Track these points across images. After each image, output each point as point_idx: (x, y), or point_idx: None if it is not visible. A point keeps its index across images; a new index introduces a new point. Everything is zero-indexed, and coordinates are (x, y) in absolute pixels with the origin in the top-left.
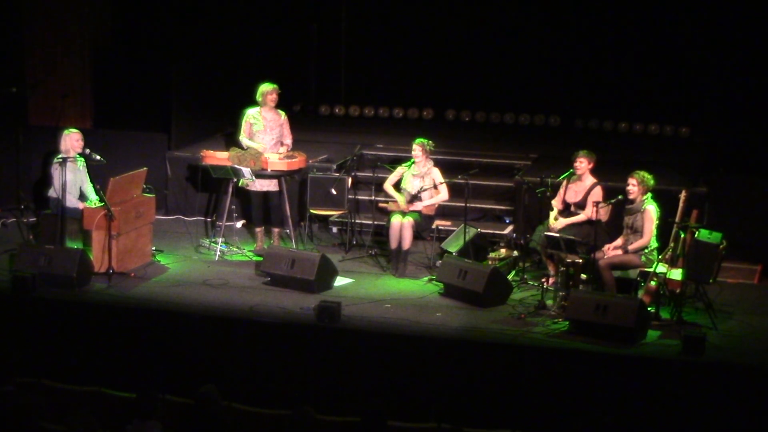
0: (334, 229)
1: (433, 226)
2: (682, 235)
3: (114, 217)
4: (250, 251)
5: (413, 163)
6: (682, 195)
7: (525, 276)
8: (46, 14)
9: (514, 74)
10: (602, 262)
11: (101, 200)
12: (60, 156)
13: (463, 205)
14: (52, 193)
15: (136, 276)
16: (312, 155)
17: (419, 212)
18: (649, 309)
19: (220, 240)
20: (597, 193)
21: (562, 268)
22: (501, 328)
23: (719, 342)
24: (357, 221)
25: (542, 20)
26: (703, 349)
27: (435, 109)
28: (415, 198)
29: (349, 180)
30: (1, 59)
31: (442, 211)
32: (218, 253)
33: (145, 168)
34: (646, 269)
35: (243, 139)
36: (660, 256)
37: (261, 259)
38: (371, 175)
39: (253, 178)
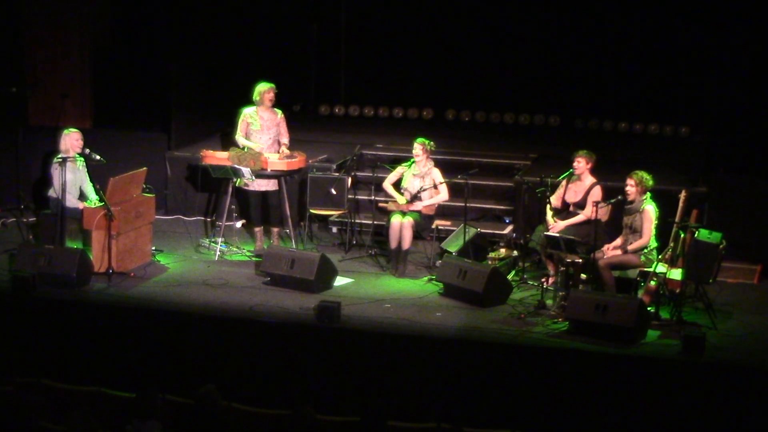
0: (334, 229)
1: (433, 226)
2: (682, 235)
3: (114, 217)
4: (249, 251)
5: (413, 162)
6: (682, 195)
7: (525, 276)
8: (46, 14)
9: (514, 74)
10: (602, 262)
11: (101, 200)
12: (60, 156)
13: (463, 204)
14: (51, 193)
15: (135, 276)
16: (312, 155)
17: (419, 212)
18: (648, 309)
19: (219, 240)
20: (596, 193)
21: (561, 268)
22: (501, 327)
23: (719, 342)
24: (357, 221)
25: (542, 20)
26: (703, 349)
27: (435, 109)
28: (415, 198)
29: (349, 180)
30: (1, 59)
31: (442, 211)
32: (218, 253)
33: (144, 168)
34: (646, 269)
35: (240, 138)
36: (660, 256)
37: (260, 259)
38: (371, 175)
39: (253, 177)
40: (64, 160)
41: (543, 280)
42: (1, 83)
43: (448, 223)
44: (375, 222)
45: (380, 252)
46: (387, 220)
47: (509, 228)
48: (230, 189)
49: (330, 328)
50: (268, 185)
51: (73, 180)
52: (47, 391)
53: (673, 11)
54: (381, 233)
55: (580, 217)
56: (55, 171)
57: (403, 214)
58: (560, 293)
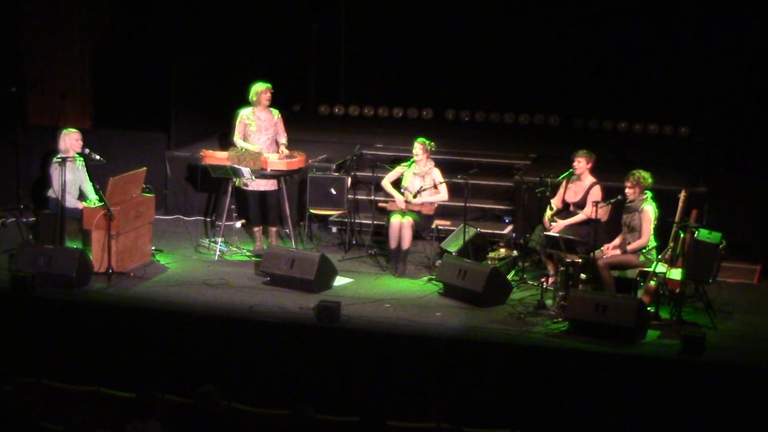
0: (334, 229)
1: (433, 226)
2: (682, 235)
3: (113, 217)
4: (249, 251)
5: (413, 162)
6: (682, 195)
7: (524, 276)
8: (45, 14)
9: (514, 74)
10: (601, 262)
11: (101, 200)
12: (59, 156)
13: (463, 204)
14: (51, 193)
15: (135, 276)
16: (311, 155)
17: (419, 212)
18: (648, 309)
19: (219, 240)
20: (596, 193)
21: (561, 268)
22: (500, 327)
23: (719, 342)
24: (356, 221)
25: (542, 20)
26: (703, 349)
27: (434, 109)
28: (414, 197)
29: (349, 180)
30: (0, 59)
31: (442, 211)
32: (218, 252)
33: (144, 168)
34: (646, 269)
35: (238, 141)
36: (659, 256)
37: (260, 258)
38: (371, 174)
39: (253, 177)
40: (64, 160)
41: (543, 280)
42: (0, 83)
43: (448, 223)
44: (375, 222)
45: (380, 252)
46: (387, 220)
47: (509, 228)
48: (230, 189)
49: (330, 328)
50: (267, 185)
51: (72, 180)
52: (47, 391)
53: (672, 11)
54: (381, 233)
55: (580, 217)
56: (55, 171)
57: (403, 214)
58: (560, 293)
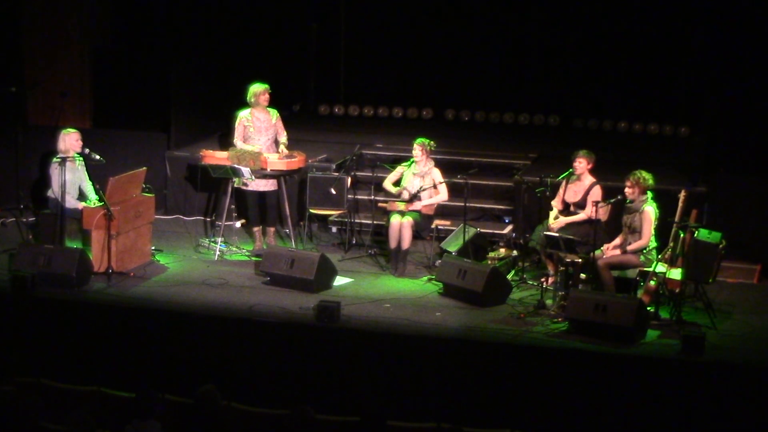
0: (334, 229)
1: (433, 226)
2: (682, 235)
3: (113, 217)
4: (249, 251)
5: (413, 162)
6: (682, 195)
7: (524, 275)
8: (45, 14)
9: (514, 74)
10: (601, 262)
11: (100, 200)
12: (59, 156)
13: (463, 204)
14: (50, 193)
15: (135, 276)
16: (311, 155)
17: (419, 212)
18: (648, 309)
19: (219, 240)
20: (596, 193)
21: (561, 268)
22: (500, 327)
23: (718, 342)
24: (356, 221)
25: (542, 20)
26: (703, 349)
27: (434, 109)
28: (414, 197)
29: (349, 180)
30: (0, 59)
31: (442, 211)
32: (217, 252)
33: (144, 168)
34: (646, 269)
35: (237, 143)
36: (659, 256)
37: (260, 258)
38: (371, 174)
39: (253, 177)
40: (63, 160)
41: (542, 279)
42: (0, 83)
43: (448, 222)
44: (374, 222)
45: (380, 252)
46: (386, 219)
47: (509, 228)
48: (230, 189)
49: (330, 328)
50: (267, 185)
51: (72, 180)
52: (46, 391)
53: (672, 11)
54: (380, 233)
55: (581, 216)
56: (54, 171)
57: (403, 214)
58: (560, 293)
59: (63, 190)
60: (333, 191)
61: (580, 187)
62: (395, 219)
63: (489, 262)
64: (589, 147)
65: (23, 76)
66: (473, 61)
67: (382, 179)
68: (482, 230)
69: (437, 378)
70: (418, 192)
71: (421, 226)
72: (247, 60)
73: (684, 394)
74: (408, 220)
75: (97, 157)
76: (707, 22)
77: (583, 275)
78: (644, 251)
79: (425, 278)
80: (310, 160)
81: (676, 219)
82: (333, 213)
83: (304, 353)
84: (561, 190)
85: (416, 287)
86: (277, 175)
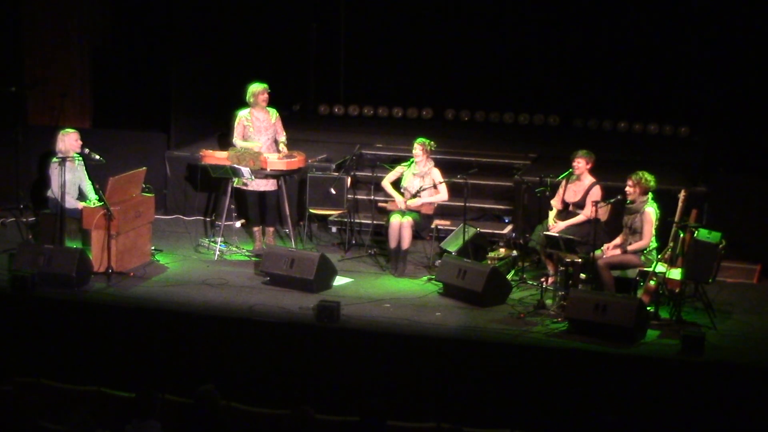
0: (334, 229)
1: (433, 226)
2: (682, 235)
3: (113, 217)
4: (248, 251)
5: (413, 162)
6: (682, 194)
7: (524, 275)
8: (45, 13)
9: (514, 74)
10: (601, 262)
11: (100, 200)
12: (58, 156)
13: (463, 204)
14: (50, 193)
15: (135, 275)
16: (311, 155)
17: (418, 212)
18: (648, 308)
19: (219, 239)
20: (596, 193)
21: (561, 268)
22: (500, 327)
23: (718, 341)
24: (356, 221)
25: (542, 20)
26: (703, 349)
27: (434, 109)
28: (414, 197)
29: (349, 179)
30: (0, 59)
31: (442, 211)
32: (217, 252)
33: (144, 167)
34: (646, 269)
35: (237, 141)
36: (659, 256)
37: (260, 258)
38: (370, 174)
39: (253, 177)
40: (63, 159)
41: (542, 279)
42: (0, 83)
43: (448, 222)
44: (374, 222)
45: (380, 252)
46: (386, 219)
47: (509, 228)
48: (230, 189)
49: (329, 328)
50: (267, 185)
51: (71, 180)
52: (46, 391)
53: (672, 11)
54: (380, 233)
55: (580, 217)
56: (54, 171)
57: (403, 213)
58: (559, 293)
59: (63, 190)
60: (333, 191)
61: (580, 187)
62: (395, 219)
63: (489, 262)
64: (589, 147)
65: (23, 76)
66: (473, 61)
67: (382, 179)
68: (482, 230)
69: (437, 378)
70: (418, 192)
71: (421, 226)
72: (247, 60)
73: (684, 394)
74: (408, 220)
75: (97, 157)
76: (707, 22)
77: (583, 275)
78: (644, 251)
79: (425, 278)
80: (309, 160)
81: (676, 219)
82: (333, 213)
83: (303, 353)
84: (561, 190)
85: (416, 287)
86: (276, 175)
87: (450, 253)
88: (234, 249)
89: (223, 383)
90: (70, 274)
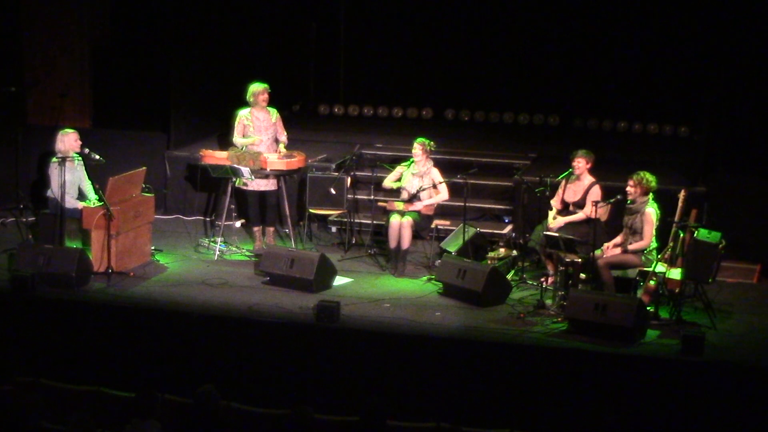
0: (333, 229)
1: (432, 226)
2: (681, 235)
3: (113, 217)
4: (248, 251)
5: (413, 162)
6: (681, 194)
7: (524, 275)
8: (44, 13)
9: (514, 74)
10: (601, 262)
11: (100, 200)
12: (58, 156)
13: (463, 204)
14: (50, 193)
15: (135, 275)
16: (311, 155)
17: (418, 212)
18: (648, 308)
19: (219, 239)
20: (596, 193)
21: (561, 268)
22: (500, 327)
23: (718, 341)
24: (356, 221)
25: (542, 20)
26: (702, 349)
27: (434, 109)
28: (414, 197)
29: (348, 179)
30: (0, 59)
31: (442, 211)
32: (217, 252)
33: (144, 167)
34: (645, 269)
35: (237, 139)
36: (659, 256)
37: (260, 258)
38: (370, 174)
39: (252, 177)
40: (63, 159)
41: (542, 279)
42: (0, 83)
43: (448, 222)
44: (374, 222)
45: (379, 252)
46: (386, 219)
47: (508, 228)
48: (229, 189)
49: (329, 328)
50: (267, 185)
51: (71, 180)
52: (46, 391)
53: (672, 11)
54: (380, 233)
55: (580, 215)
56: (54, 171)
57: (402, 213)
58: (559, 293)
59: (63, 190)
60: (333, 191)
61: (580, 186)
62: (395, 219)
63: (489, 261)
64: (589, 147)
65: (23, 76)
66: (473, 61)
67: (382, 179)
68: (482, 230)
69: (437, 378)
70: (418, 192)
71: (421, 226)
72: (247, 60)
73: (684, 394)
74: (408, 220)
75: (97, 156)
76: (707, 22)
77: (582, 275)
78: (644, 251)
79: (425, 278)
80: (309, 160)
81: (676, 219)
82: (333, 213)
83: (303, 353)
84: (560, 190)
85: (416, 287)
86: (276, 175)
87: (450, 253)
88: (234, 249)
89: (223, 383)
90: (70, 274)
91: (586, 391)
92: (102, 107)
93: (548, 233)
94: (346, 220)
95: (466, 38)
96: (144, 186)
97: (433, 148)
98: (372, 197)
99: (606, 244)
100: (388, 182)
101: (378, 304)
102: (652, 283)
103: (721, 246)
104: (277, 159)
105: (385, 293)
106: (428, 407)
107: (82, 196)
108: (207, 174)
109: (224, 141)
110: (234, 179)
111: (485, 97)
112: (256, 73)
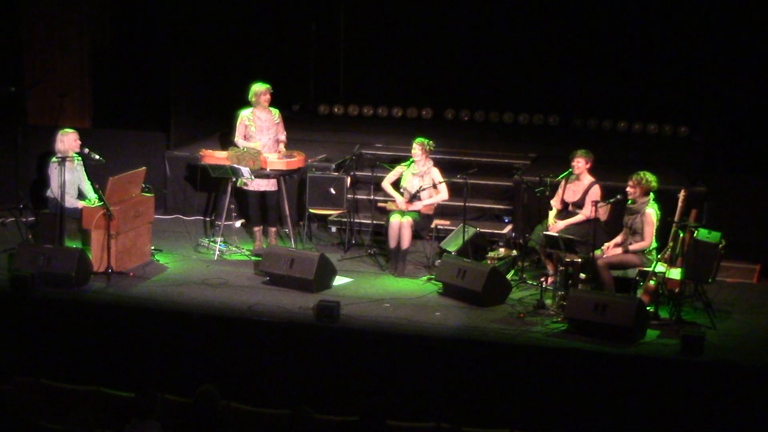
0: (333, 229)
1: (432, 226)
2: (681, 235)
3: (113, 217)
4: (248, 251)
5: (413, 162)
6: (681, 194)
7: (524, 275)
8: (44, 13)
9: (514, 74)
10: (601, 262)
11: (100, 199)
12: (58, 155)
13: (462, 204)
14: (50, 193)
15: (135, 275)
16: (311, 155)
17: (418, 212)
18: (648, 308)
19: (219, 239)
20: (595, 192)
21: (561, 268)
22: (500, 327)
23: (718, 341)
24: (356, 221)
25: (542, 20)
26: (702, 349)
27: (434, 109)
28: (414, 197)
29: (348, 179)
30: (0, 59)
31: (441, 211)
32: (217, 252)
33: (144, 167)
34: (645, 269)
35: (239, 141)
36: (659, 256)
37: (260, 258)
38: (370, 174)
39: (252, 177)
40: (63, 159)
41: (542, 279)
42: (0, 83)
43: (447, 222)
44: (374, 221)
45: (379, 251)
46: (386, 219)
47: (508, 227)
48: (229, 188)
49: (329, 328)
50: (267, 185)
51: (71, 180)
52: (46, 391)
53: (672, 11)
54: (380, 233)
55: (580, 217)
56: (53, 171)
57: (402, 213)
58: (559, 293)
59: (62, 190)
60: (332, 191)
61: (579, 186)
62: (395, 219)
63: (489, 261)
64: (589, 147)
65: (23, 76)
66: (473, 61)
67: (382, 179)
68: (482, 230)
69: (437, 378)
70: (418, 192)
71: (421, 226)
72: (247, 60)
73: (684, 394)
74: (407, 220)
75: (97, 156)
76: (707, 22)
77: (582, 275)
78: (644, 251)
79: (425, 278)
80: (309, 160)
81: (676, 219)
82: (333, 213)
83: (303, 353)
84: (560, 190)
85: (416, 287)
86: (276, 175)
87: (450, 252)
88: (234, 249)
89: (223, 383)
90: (70, 274)
91: (586, 391)
92: (102, 107)
93: (548, 233)
94: (346, 220)
95: (466, 38)
96: (144, 186)
97: (432, 148)
98: (372, 197)
99: (606, 244)
100: (387, 186)
101: (378, 304)
102: (652, 283)
103: (720, 246)
104: (276, 159)
105: (385, 293)
106: (428, 407)
107: (81, 196)
108: (207, 174)
109: (224, 141)
110: (234, 179)
111: (485, 97)
112: (256, 73)
